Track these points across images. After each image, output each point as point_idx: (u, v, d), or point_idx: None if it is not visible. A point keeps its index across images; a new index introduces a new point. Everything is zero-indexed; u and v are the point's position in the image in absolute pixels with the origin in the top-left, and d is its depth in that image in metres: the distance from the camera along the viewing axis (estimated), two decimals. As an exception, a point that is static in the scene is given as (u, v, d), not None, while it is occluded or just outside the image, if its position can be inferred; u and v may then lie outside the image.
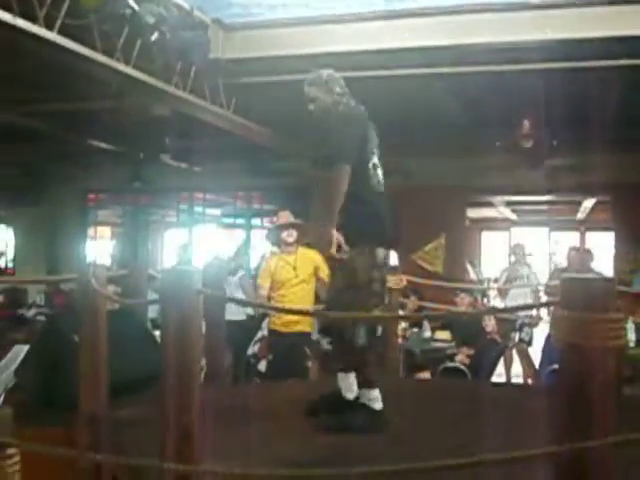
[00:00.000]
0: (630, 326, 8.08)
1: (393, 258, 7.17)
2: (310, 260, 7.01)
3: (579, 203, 16.12)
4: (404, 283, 6.91)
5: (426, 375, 7.82)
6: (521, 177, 10.54)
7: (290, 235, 6.90)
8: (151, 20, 5.53)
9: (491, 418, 4.27)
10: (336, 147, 4.15)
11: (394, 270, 6.49)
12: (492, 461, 2.06)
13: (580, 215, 17.96)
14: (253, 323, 8.57)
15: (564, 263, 10.80)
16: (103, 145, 9.81)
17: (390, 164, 10.56)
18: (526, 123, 8.23)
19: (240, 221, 14.24)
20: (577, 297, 2.55)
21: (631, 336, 8.01)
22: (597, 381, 2.52)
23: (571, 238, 19.69)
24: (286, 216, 7.06)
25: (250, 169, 11.26)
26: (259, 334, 8.14)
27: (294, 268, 6.89)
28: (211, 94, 7.12)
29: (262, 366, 7.66)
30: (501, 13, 6.50)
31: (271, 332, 7.11)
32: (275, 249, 7.54)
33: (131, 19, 5.42)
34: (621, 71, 6.63)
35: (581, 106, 7.71)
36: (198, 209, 14.00)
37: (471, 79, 7.07)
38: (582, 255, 10.28)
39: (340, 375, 4.36)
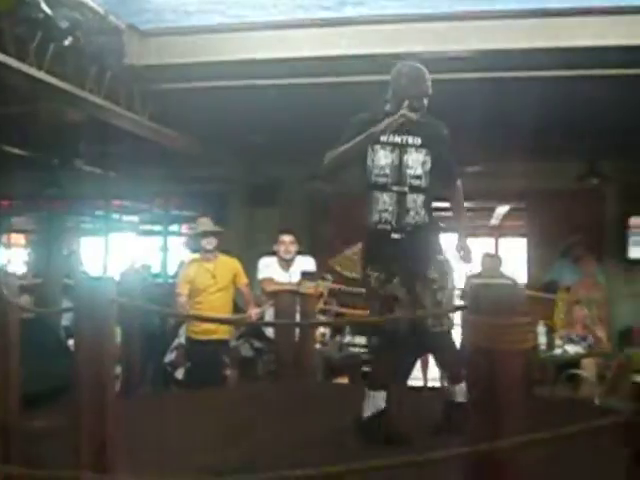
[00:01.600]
0: (542, 330, 8.32)
1: (311, 264, 7.28)
2: (229, 268, 7.03)
3: (492, 209, 16.44)
4: (320, 289, 6.98)
5: (344, 380, 7.89)
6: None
7: (210, 242, 6.91)
8: (65, 24, 5.45)
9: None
10: None
11: (311, 276, 6.56)
12: (396, 465, 2.10)
13: (494, 221, 18.33)
14: (170, 331, 8.51)
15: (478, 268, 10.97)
16: (16, 151, 9.57)
17: (307, 171, 10.75)
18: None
19: (157, 228, 14.09)
20: (486, 302, 2.63)
21: (542, 339, 8.24)
22: (505, 384, 2.61)
23: (485, 244, 20.09)
24: (206, 223, 7.06)
25: (167, 175, 11.18)
26: (176, 342, 8.08)
27: (213, 276, 6.89)
28: (126, 100, 7.04)
29: (179, 374, 7.61)
30: (415, 24, 6.62)
31: (188, 340, 7.09)
32: (195, 256, 7.52)
33: (44, 23, 5.34)
34: (538, 82, 6.81)
35: (498, 115, 7.89)
36: (114, 216, 13.83)
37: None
38: (493, 260, 10.51)
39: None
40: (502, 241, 19.68)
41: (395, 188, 4.18)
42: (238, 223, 11.38)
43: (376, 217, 4.18)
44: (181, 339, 7.86)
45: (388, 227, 4.14)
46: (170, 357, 8.03)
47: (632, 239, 10.92)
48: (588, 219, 10.76)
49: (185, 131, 8.50)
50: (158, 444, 4.01)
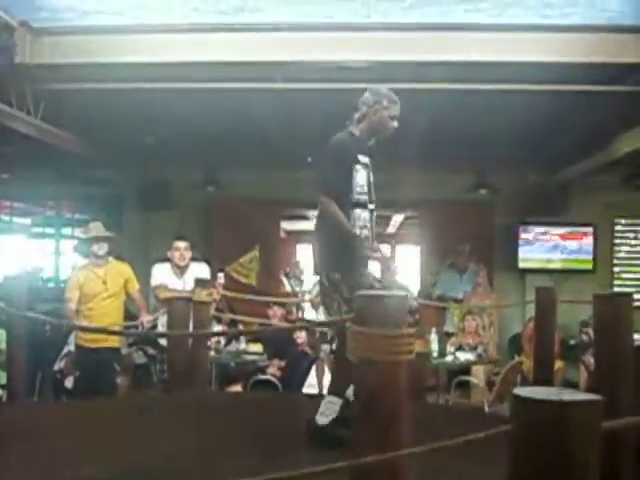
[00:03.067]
0: (434, 337, 8.49)
1: (205, 271, 7.22)
2: (119, 273, 6.92)
3: (389, 218, 16.72)
4: (215, 296, 6.93)
5: (237, 388, 7.85)
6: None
7: (101, 248, 6.78)
8: (-49, 20, 5.24)
9: (290, 431, 4.35)
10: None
11: (205, 283, 6.50)
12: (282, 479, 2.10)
13: (391, 229, 18.66)
14: (59, 338, 8.28)
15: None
16: None
17: (203, 175, 10.66)
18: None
19: (50, 231, 13.73)
20: (371, 313, 2.67)
21: (434, 347, 8.40)
22: (390, 395, 2.64)
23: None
24: (97, 228, 6.92)
25: (61, 178, 10.90)
26: (65, 349, 7.88)
27: (104, 282, 6.75)
28: (17, 100, 6.81)
29: (69, 383, 7.44)
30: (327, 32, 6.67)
31: (78, 347, 6.92)
32: (84, 261, 7.35)
33: None
34: (429, 93, 6.95)
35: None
36: (5, 218, 13.38)
37: (292, 95, 7.18)
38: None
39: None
40: (398, 248, 20.15)
41: (370, 206, 4.41)
42: (132, 227, 11.21)
43: (358, 233, 4.29)
44: (70, 346, 7.68)
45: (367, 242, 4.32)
46: (59, 365, 7.83)
47: (521, 249, 11.27)
48: (478, 229, 11.05)
49: (78, 133, 8.30)
50: (40, 455, 3.89)
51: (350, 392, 4.25)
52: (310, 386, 8.85)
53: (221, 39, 6.72)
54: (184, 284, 7.06)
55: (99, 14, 6.76)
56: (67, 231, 13.67)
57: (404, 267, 12.86)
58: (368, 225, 4.38)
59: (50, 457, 3.90)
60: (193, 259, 7.27)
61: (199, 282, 6.38)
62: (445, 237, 11.12)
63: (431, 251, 11.77)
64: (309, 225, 18.18)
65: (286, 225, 13.85)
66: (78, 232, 13.03)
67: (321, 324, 8.61)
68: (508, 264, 11.31)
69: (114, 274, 6.87)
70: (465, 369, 8.28)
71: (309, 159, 8.35)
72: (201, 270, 7.16)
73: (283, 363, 8.21)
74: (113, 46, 6.70)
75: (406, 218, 15.76)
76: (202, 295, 6.26)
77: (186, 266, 7.15)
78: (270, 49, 6.63)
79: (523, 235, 11.31)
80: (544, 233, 11.30)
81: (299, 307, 11.31)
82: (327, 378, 9.51)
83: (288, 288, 12.39)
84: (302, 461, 3.56)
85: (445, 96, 7.07)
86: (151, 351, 8.61)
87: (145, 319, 6.96)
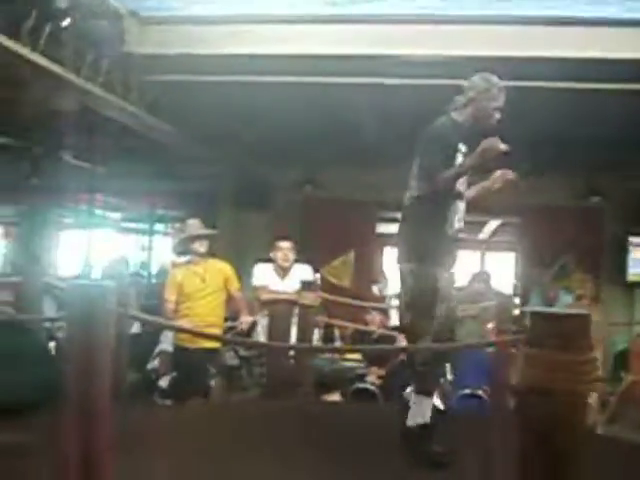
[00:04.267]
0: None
1: (309, 273, 6.92)
2: (219, 271, 6.67)
3: (483, 224, 16.19)
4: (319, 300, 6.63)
5: (336, 397, 7.50)
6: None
7: (202, 245, 6.54)
8: (64, 4, 5.05)
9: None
10: None
11: (311, 286, 6.22)
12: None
13: (482, 235, 18.11)
14: (150, 337, 8.08)
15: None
16: (-2, 138, 9.06)
17: (301, 174, 10.40)
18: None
19: (143, 226, 13.69)
20: (549, 334, 2.28)
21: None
22: (568, 428, 2.26)
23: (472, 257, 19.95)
24: (196, 225, 6.69)
25: (156, 173, 10.76)
26: (158, 348, 7.67)
27: (202, 279, 6.51)
28: (122, 90, 6.63)
29: (164, 382, 7.22)
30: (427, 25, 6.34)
31: (176, 347, 6.68)
32: (179, 259, 7.16)
33: (41, 1, 4.93)
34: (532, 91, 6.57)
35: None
36: (98, 211, 13.34)
37: (389, 90, 6.86)
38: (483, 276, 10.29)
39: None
40: (489, 255, 19.56)
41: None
42: (225, 226, 10.97)
43: (456, 225, 4.20)
44: (162, 345, 7.49)
45: (459, 235, 4.26)
46: (153, 364, 7.62)
47: (632, 261, 10.64)
48: (584, 238, 10.51)
49: (178, 126, 8.11)
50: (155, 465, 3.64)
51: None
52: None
53: (324, 31, 6.48)
54: (287, 286, 6.77)
55: (207, 3, 6.54)
56: (159, 227, 13.61)
57: (496, 274, 12.31)
58: (461, 216, 4.23)
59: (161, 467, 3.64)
60: (296, 260, 6.97)
61: (305, 284, 6.10)
62: (549, 245, 10.61)
63: (534, 259, 11.22)
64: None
65: (380, 228, 13.47)
66: (171, 230, 12.96)
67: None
68: (616, 276, 10.69)
69: (214, 272, 6.63)
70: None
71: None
72: (305, 272, 6.86)
73: (382, 371, 7.83)
74: (218, 37, 6.49)
75: (502, 224, 15.18)
76: (308, 298, 5.96)
77: (289, 267, 6.86)
78: (373, 42, 6.36)
79: (634, 246, 10.65)
80: (657, 244, 10.64)
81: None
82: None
83: (377, 293, 12.01)
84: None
85: (550, 94, 6.67)
86: (243, 352, 8.36)
87: (245, 320, 6.71)
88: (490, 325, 7.95)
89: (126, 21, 6.11)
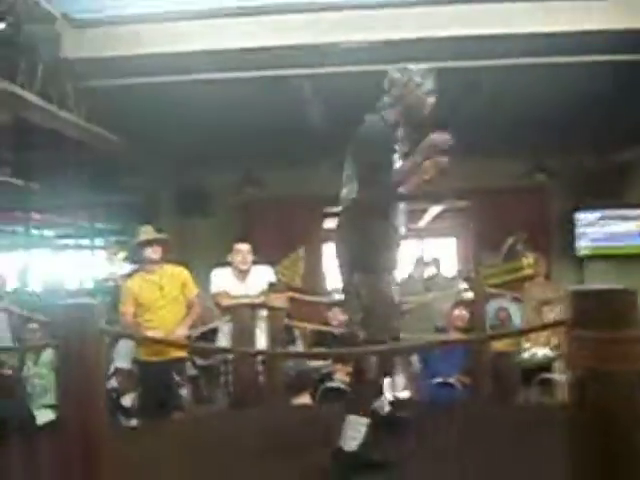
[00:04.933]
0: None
1: (270, 274, 6.70)
2: (176, 277, 6.37)
3: (424, 210, 16.13)
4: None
5: (305, 399, 7.29)
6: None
7: (155, 251, 6.24)
8: (-3, 8, 4.73)
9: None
10: None
11: (278, 287, 6.01)
12: None
13: (421, 222, 18.09)
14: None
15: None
16: None
17: (240, 176, 10.14)
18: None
19: (84, 242, 13.25)
20: (599, 312, 2.11)
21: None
22: (627, 411, 2.10)
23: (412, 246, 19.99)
24: (148, 231, 6.40)
25: (93, 185, 10.38)
26: (112, 366, 7.32)
27: (160, 288, 6.21)
28: (58, 97, 6.29)
29: (126, 401, 6.90)
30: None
31: (139, 362, 6.34)
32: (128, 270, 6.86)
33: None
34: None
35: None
36: (34, 230, 12.88)
37: (325, 80, 6.74)
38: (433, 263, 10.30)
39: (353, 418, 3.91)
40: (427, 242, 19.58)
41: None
42: (170, 235, 10.64)
43: (401, 229, 4.11)
44: (117, 363, 7.15)
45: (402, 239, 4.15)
46: (112, 383, 7.28)
47: (580, 235, 10.71)
48: (532, 217, 10.54)
49: (116, 133, 7.79)
50: None
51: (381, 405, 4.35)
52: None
53: (255, 22, 6.31)
54: (247, 289, 6.53)
55: (144, 1, 6.27)
56: (98, 242, 13.22)
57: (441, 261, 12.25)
58: (403, 218, 4.14)
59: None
60: (254, 262, 6.72)
61: (272, 286, 5.88)
62: (497, 227, 10.60)
63: (483, 243, 11.19)
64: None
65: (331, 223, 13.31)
66: (111, 241, 12.58)
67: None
68: (565, 252, 10.74)
69: (170, 279, 6.32)
70: (545, 366, 7.70)
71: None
72: (266, 273, 6.62)
73: (349, 368, 7.63)
74: (152, 36, 6.28)
75: (444, 210, 15.15)
76: (278, 299, 5.75)
77: (248, 270, 6.61)
78: (306, 31, 6.24)
79: (581, 221, 10.71)
80: (602, 218, 10.71)
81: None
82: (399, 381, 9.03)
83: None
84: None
85: (494, 73, 6.64)
86: (200, 362, 8.09)
87: (181, 332, 6.31)
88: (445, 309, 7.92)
89: (59, 24, 5.78)
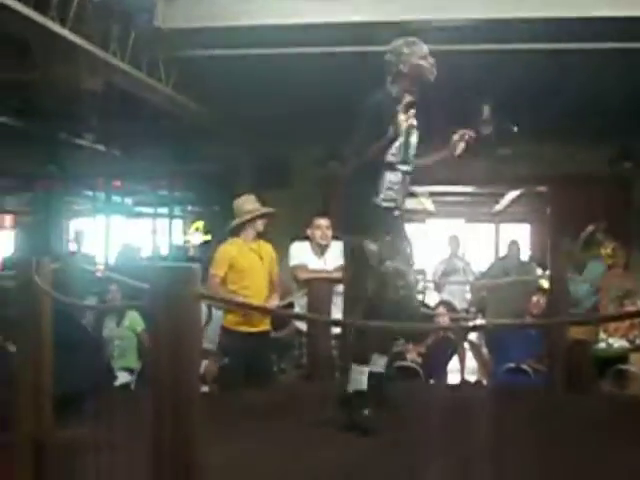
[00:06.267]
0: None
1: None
2: (269, 252, 6.31)
3: (501, 195, 15.96)
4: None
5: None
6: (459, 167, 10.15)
7: (263, 223, 6.18)
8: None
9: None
10: None
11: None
12: None
13: (498, 207, 17.89)
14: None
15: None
16: (10, 121, 8.67)
17: (323, 150, 10.11)
18: (486, 108, 7.84)
19: (159, 210, 13.44)
20: None
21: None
22: None
23: (486, 229, 19.84)
24: (252, 201, 6.31)
25: (175, 154, 10.49)
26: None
27: (260, 257, 6.15)
28: (149, 67, 6.37)
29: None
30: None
31: (227, 331, 6.28)
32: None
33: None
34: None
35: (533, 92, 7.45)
36: (115, 197, 13.10)
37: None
38: (516, 246, 10.12)
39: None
40: (502, 227, 19.37)
41: (402, 167, 4.23)
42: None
43: (383, 195, 4.19)
44: (205, 344, 7.16)
45: (392, 204, 4.23)
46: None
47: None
48: (613, 205, 10.33)
49: (201, 104, 7.87)
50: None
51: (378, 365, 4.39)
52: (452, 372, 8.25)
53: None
54: (325, 264, 6.51)
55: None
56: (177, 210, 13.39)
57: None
58: (395, 187, 4.22)
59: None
60: (333, 237, 6.68)
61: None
62: (575, 214, 10.39)
63: (559, 230, 10.99)
64: (414, 204, 17.55)
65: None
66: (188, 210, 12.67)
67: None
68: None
69: (266, 252, 6.27)
70: (620, 357, 7.55)
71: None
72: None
73: (422, 348, 7.61)
74: (249, 9, 6.27)
75: (519, 196, 14.94)
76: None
77: (327, 245, 6.58)
78: (397, 10, 6.25)
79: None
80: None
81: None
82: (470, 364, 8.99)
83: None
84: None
85: (582, 58, 6.51)
86: (273, 334, 8.14)
87: (273, 304, 6.31)
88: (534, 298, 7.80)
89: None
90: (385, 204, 4.20)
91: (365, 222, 4.20)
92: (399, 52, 4.22)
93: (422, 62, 4.19)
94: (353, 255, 4.28)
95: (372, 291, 4.20)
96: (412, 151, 4.28)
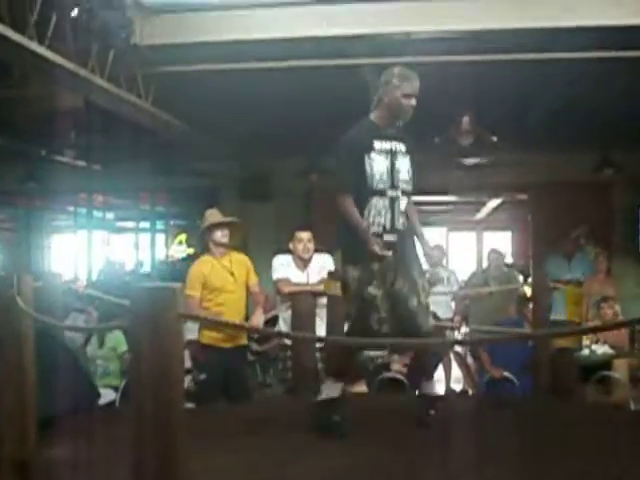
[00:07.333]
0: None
1: (330, 263, 6.70)
2: (243, 264, 6.34)
3: (483, 203, 16.02)
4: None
5: (362, 387, 7.30)
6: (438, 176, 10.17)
7: (224, 235, 6.20)
8: (70, -5, 4.79)
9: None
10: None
11: (336, 275, 6.01)
12: None
13: (479, 215, 17.96)
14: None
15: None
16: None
17: (305, 163, 10.15)
18: (466, 119, 7.88)
19: (144, 224, 13.38)
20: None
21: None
22: None
23: (467, 238, 19.92)
24: (216, 214, 6.37)
25: (157, 169, 10.49)
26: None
27: (231, 273, 6.18)
28: (127, 83, 6.37)
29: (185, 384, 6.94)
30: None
31: (205, 347, 6.29)
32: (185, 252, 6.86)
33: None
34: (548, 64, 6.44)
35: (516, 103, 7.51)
36: (96, 212, 13.04)
37: None
38: (499, 256, 10.11)
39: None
40: (485, 235, 19.46)
41: (389, 193, 4.28)
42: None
43: (369, 220, 4.25)
44: (189, 335, 7.15)
45: (380, 230, 4.26)
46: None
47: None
48: (595, 212, 10.39)
49: (181, 119, 7.87)
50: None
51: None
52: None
53: (324, 12, 6.30)
54: (307, 277, 6.53)
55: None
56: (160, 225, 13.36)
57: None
58: (383, 213, 4.26)
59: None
60: (315, 250, 6.70)
61: (332, 274, 5.88)
62: (557, 221, 10.46)
63: (541, 237, 11.08)
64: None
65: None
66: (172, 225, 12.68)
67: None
68: (628, 248, 10.55)
69: (238, 265, 6.29)
70: (604, 364, 7.58)
71: (436, 140, 7.88)
72: (327, 262, 6.60)
73: (406, 359, 7.62)
74: (229, 23, 6.31)
75: (502, 203, 15.03)
76: (337, 289, 5.73)
77: (309, 258, 6.60)
78: (376, 21, 6.25)
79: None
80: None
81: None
82: (455, 375, 8.99)
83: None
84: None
85: (561, 67, 6.55)
86: (256, 347, 8.15)
87: (256, 317, 6.35)
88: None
89: (130, 11, 5.85)
90: (372, 229, 4.23)
91: (349, 248, 4.32)
92: (388, 80, 4.27)
93: (403, 100, 4.24)
94: (342, 281, 4.43)
95: (353, 316, 4.38)
96: (402, 175, 4.33)
